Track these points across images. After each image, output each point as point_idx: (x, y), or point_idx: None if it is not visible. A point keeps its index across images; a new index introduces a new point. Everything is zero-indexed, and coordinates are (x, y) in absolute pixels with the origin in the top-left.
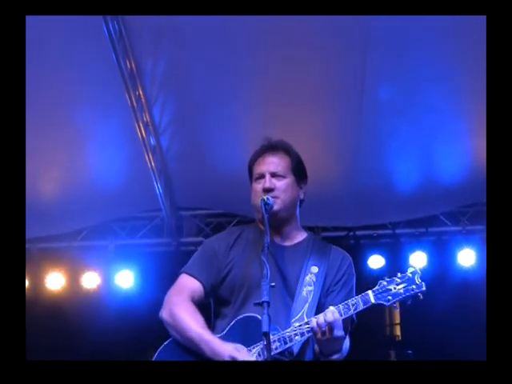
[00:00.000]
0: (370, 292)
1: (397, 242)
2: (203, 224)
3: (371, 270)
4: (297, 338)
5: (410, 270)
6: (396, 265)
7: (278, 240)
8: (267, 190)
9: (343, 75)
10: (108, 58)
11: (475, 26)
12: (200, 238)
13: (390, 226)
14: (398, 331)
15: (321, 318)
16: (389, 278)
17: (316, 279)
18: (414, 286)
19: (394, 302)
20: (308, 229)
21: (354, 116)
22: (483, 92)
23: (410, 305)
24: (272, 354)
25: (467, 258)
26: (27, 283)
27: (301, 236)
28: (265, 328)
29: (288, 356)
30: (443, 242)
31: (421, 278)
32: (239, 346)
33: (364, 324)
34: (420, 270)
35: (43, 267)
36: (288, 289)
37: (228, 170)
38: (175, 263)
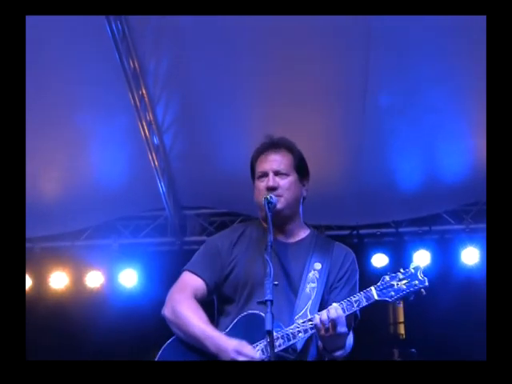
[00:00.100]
0: (372, 288)
1: (400, 241)
2: (207, 223)
3: (375, 269)
4: (300, 334)
5: (413, 265)
6: (399, 263)
7: (281, 237)
8: (271, 189)
9: (346, 75)
10: (111, 57)
11: (475, 26)
12: (204, 237)
13: (394, 225)
14: (401, 329)
15: (324, 314)
16: (391, 273)
17: (319, 276)
18: (416, 282)
19: (397, 298)
20: (312, 227)
21: (356, 116)
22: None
23: (413, 302)
24: (276, 351)
25: (471, 256)
26: (31, 282)
27: (304, 233)
28: (268, 326)
29: (291, 353)
30: (447, 241)
31: (423, 274)
32: (243, 341)
33: (368, 322)
34: (423, 268)
35: (47, 266)
36: (291, 286)
37: (232, 168)
38: (179, 262)
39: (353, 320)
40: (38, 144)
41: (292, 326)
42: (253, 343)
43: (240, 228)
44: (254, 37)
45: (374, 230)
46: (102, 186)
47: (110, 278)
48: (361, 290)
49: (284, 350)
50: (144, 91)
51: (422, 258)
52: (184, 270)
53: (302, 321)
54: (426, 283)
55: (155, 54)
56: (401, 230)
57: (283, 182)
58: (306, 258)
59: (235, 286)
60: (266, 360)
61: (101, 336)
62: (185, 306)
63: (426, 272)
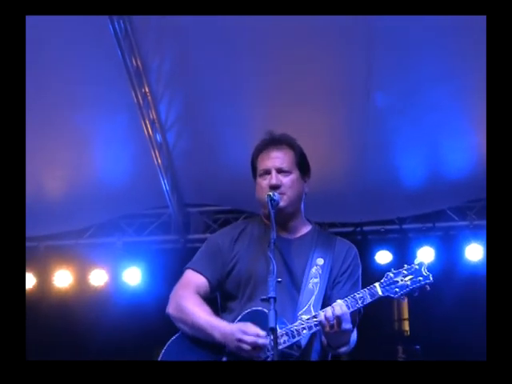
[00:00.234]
0: (377, 284)
1: (404, 238)
2: (210, 221)
3: (379, 266)
4: (304, 331)
5: (417, 261)
6: (403, 260)
7: (283, 234)
8: (274, 187)
9: (348, 75)
10: (113, 56)
11: (475, 26)
12: (207, 235)
13: (398, 222)
14: (406, 326)
15: (329, 311)
16: (395, 269)
17: (322, 271)
18: (420, 278)
19: (402, 294)
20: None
21: (360, 114)
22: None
23: (417, 299)
24: (280, 347)
25: (475, 252)
26: (35, 281)
27: (306, 228)
28: (271, 323)
29: (296, 349)
30: (451, 237)
31: (427, 270)
32: (248, 322)
33: (373, 319)
34: (428, 264)
35: (51, 265)
36: (294, 282)
37: (235, 166)
38: (183, 260)
39: (357, 316)
40: (41, 143)
41: (296, 323)
42: None
43: (241, 225)
44: (256, 37)
45: (378, 227)
46: (106, 184)
47: (114, 276)
48: (364, 286)
49: (289, 347)
50: (147, 89)
51: (425, 255)
52: (186, 269)
53: (306, 317)
54: (431, 279)
55: (158, 53)
56: (404, 226)
57: (286, 180)
58: (309, 254)
59: (238, 283)
60: (270, 356)
61: (105, 334)
62: (189, 301)
63: (430, 268)
